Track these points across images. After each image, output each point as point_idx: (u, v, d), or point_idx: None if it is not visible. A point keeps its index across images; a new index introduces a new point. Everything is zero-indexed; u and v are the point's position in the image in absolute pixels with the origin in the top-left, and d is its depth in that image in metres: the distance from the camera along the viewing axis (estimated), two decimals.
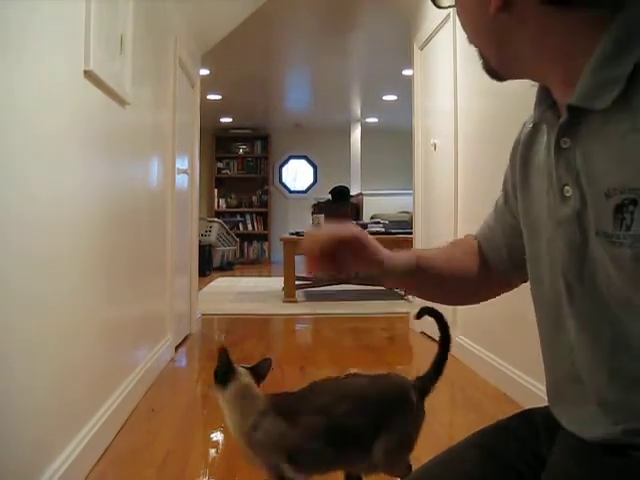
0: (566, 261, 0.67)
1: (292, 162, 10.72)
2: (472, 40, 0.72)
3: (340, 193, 7.19)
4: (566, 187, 0.65)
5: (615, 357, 0.63)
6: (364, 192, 7.98)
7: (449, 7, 0.74)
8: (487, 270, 0.92)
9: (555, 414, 0.75)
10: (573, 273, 0.66)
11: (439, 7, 0.77)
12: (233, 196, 10.43)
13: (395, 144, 9.70)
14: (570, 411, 0.72)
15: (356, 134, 9.62)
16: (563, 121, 0.64)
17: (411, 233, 4.34)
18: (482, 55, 0.72)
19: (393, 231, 5.78)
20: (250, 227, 10.46)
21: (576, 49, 0.62)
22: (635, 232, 0.57)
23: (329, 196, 7.24)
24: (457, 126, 3.22)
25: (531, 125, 0.79)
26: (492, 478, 0.75)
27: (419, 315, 1.15)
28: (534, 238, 0.76)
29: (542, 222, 0.72)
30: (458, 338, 3.13)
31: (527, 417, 0.82)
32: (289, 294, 5.43)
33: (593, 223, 0.61)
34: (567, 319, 0.69)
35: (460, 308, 3.21)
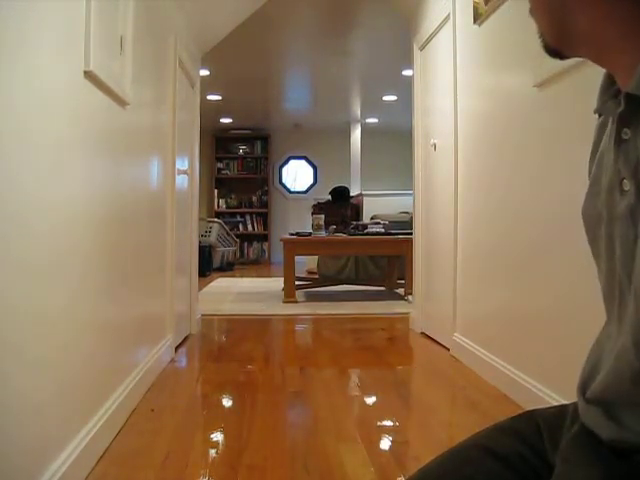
0: (618, 261, 0.63)
1: (292, 162, 10.73)
2: (533, 12, 0.68)
3: (340, 193, 7.19)
4: (624, 181, 0.62)
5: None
6: (364, 192, 7.98)
7: None
8: None
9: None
10: (625, 274, 0.62)
11: None
12: (233, 196, 10.43)
13: (395, 144, 9.70)
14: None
15: (356, 134, 9.62)
16: (621, 110, 0.60)
17: (411, 233, 4.34)
18: (540, 29, 0.68)
19: (393, 231, 5.78)
20: (250, 227, 10.46)
21: (637, 34, 0.58)
22: None
23: (329, 196, 7.24)
24: (457, 126, 3.22)
25: (598, 117, 0.74)
26: None
27: None
28: (593, 236, 0.72)
29: (603, 219, 0.68)
30: (458, 338, 3.13)
31: (529, 418, 0.80)
32: (289, 294, 5.42)
33: None
34: (613, 321, 0.67)
35: (460, 308, 3.21)
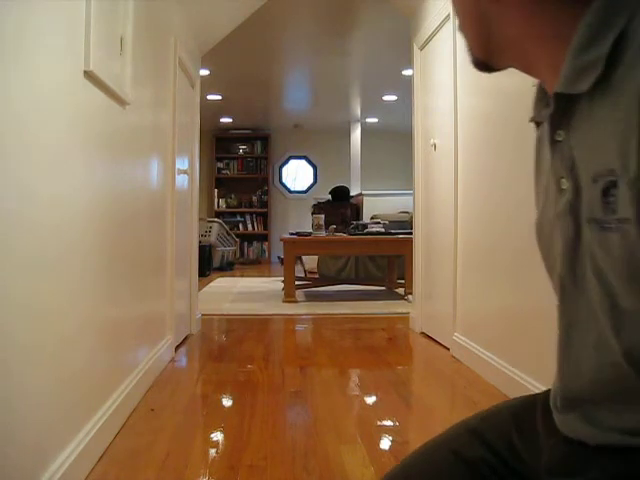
0: (561, 257, 0.66)
1: (292, 162, 10.73)
2: (462, 28, 0.71)
3: (340, 193, 7.19)
4: (562, 180, 0.64)
5: (597, 358, 0.63)
6: (364, 192, 7.98)
7: None
8: None
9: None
10: (566, 269, 0.65)
11: None
12: (233, 196, 10.43)
13: (395, 144, 9.71)
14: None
15: (356, 134, 9.62)
16: (552, 112, 0.63)
17: (411, 233, 4.34)
18: (469, 46, 0.71)
19: (393, 231, 5.78)
20: (250, 227, 10.46)
21: (560, 35, 0.61)
22: (620, 215, 0.55)
23: (329, 196, 7.24)
24: (457, 126, 3.22)
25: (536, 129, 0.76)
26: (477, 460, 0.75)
27: None
28: (542, 238, 0.74)
29: (548, 220, 0.71)
30: (458, 338, 3.14)
31: (498, 413, 0.81)
32: (289, 294, 5.43)
33: (586, 212, 0.60)
34: (561, 316, 0.70)
35: (460, 308, 3.21)
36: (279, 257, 6.66)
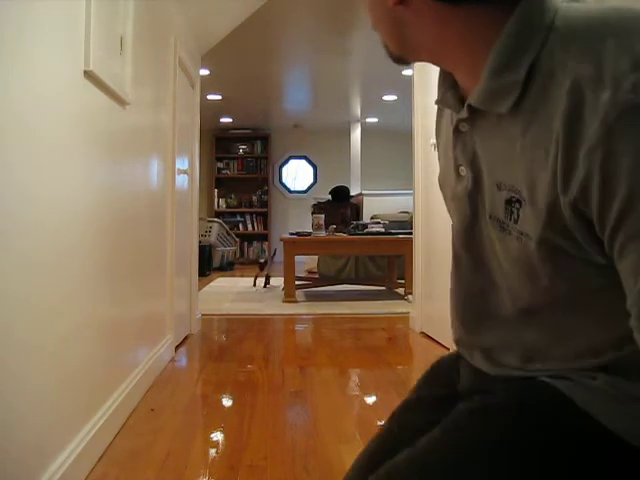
0: (457, 232, 0.78)
1: (292, 162, 10.72)
2: (374, 26, 0.73)
3: (340, 193, 7.18)
4: (461, 167, 0.71)
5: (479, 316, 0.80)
6: (364, 192, 7.97)
7: None
8: None
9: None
10: (460, 243, 0.78)
11: None
12: (233, 196, 10.43)
13: (395, 144, 9.70)
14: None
15: (356, 134, 9.62)
16: (462, 117, 0.68)
17: (411, 233, 4.33)
18: (383, 42, 0.73)
19: (393, 231, 5.78)
20: (250, 227, 10.46)
21: (476, 45, 0.63)
22: (521, 228, 0.64)
23: (329, 196, 7.23)
24: None
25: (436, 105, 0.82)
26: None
27: None
28: (444, 189, 0.85)
29: (448, 178, 0.79)
30: None
31: (440, 365, 0.99)
32: (289, 294, 5.42)
33: (487, 207, 0.69)
34: (456, 282, 0.85)
35: None
36: (260, 262, 6.74)
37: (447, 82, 0.72)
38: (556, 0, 0.62)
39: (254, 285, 6.41)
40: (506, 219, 0.66)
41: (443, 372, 0.95)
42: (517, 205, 0.63)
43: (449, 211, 0.84)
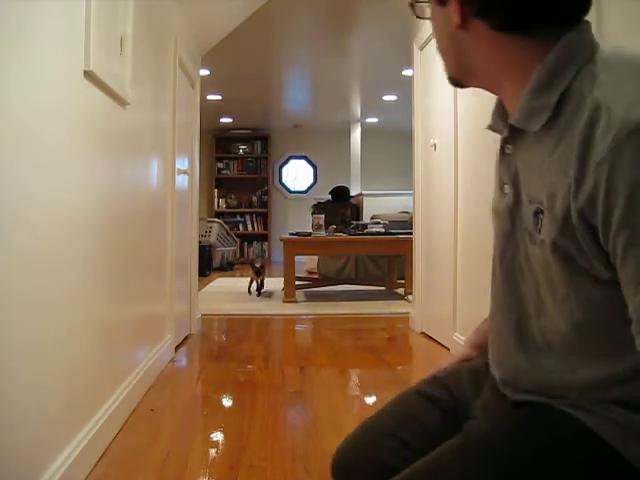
0: (496, 246, 0.82)
1: (292, 162, 10.72)
2: (439, 50, 0.83)
3: (340, 193, 7.18)
4: (505, 185, 0.78)
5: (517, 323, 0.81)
6: (364, 192, 7.97)
7: (427, 18, 0.85)
8: None
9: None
10: (499, 259, 0.82)
11: (418, 17, 0.88)
12: (233, 196, 10.43)
13: (395, 144, 9.70)
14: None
15: (356, 134, 9.62)
16: (506, 136, 0.77)
17: (411, 233, 4.33)
18: (445, 64, 0.83)
19: (393, 231, 5.77)
20: (250, 227, 10.46)
21: (522, 71, 0.72)
22: (542, 236, 0.70)
23: (329, 196, 7.23)
24: (457, 126, 3.22)
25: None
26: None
27: None
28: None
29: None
30: (458, 338, 3.13)
31: (457, 372, 0.98)
32: (289, 294, 5.42)
33: (524, 220, 0.75)
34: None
35: (460, 308, 3.21)
36: (256, 266, 5.87)
37: (499, 110, 0.82)
38: (602, 43, 0.71)
39: (249, 292, 5.92)
40: (534, 231, 0.71)
41: (465, 377, 0.97)
42: (541, 216, 0.69)
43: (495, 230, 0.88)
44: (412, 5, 0.86)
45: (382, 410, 0.97)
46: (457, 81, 0.84)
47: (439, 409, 0.92)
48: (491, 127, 0.83)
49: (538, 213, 0.70)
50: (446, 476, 0.75)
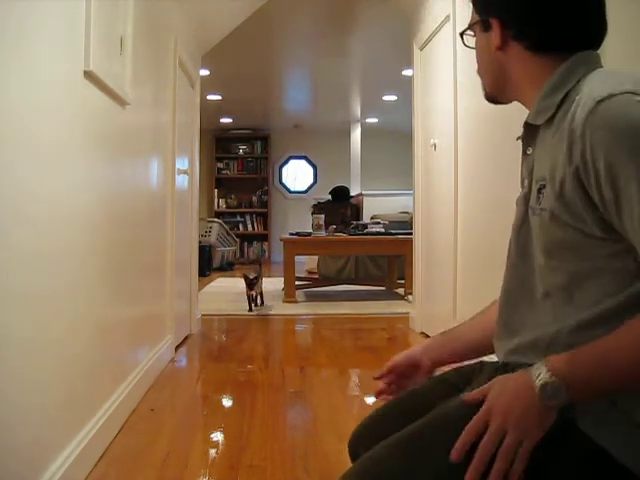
0: (512, 232, 0.94)
1: (292, 162, 10.72)
2: (480, 71, 0.98)
3: (340, 193, 7.18)
4: (525, 180, 0.92)
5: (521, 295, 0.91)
6: (364, 192, 7.97)
7: (472, 48, 0.99)
8: None
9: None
10: (514, 237, 0.93)
11: (466, 47, 1.02)
12: (233, 196, 10.43)
13: (395, 144, 9.70)
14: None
15: (356, 134, 9.62)
16: (522, 135, 0.93)
17: (411, 233, 4.33)
18: (483, 83, 0.99)
19: (393, 231, 5.77)
20: (250, 227, 10.46)
21: (542, 81, 0.88)
22: (542, 205, 0.83)
23: (329, 196, 7.23)
24: (457, 126, 3.22)
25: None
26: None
27: None
28: None
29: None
30: None
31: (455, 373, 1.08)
32: (289, 294, 5.42)
33: (531, 202, 0.87)
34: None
35: (460, 308, 3.21)
36: (249, 278, 4.73)
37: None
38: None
39: (249, 309, 4.86)
40: (536, 204, 0.84)
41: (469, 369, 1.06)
42: (543, 190, 0.83)
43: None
44: (462, 35, 1.00)
45: (404, 392, 1.14)
46: (493, 97, 1.00)
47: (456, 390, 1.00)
48: (520, 137, 0.96)
49: (541, 189, 0.83)
50: (410, 446, 0.83)
